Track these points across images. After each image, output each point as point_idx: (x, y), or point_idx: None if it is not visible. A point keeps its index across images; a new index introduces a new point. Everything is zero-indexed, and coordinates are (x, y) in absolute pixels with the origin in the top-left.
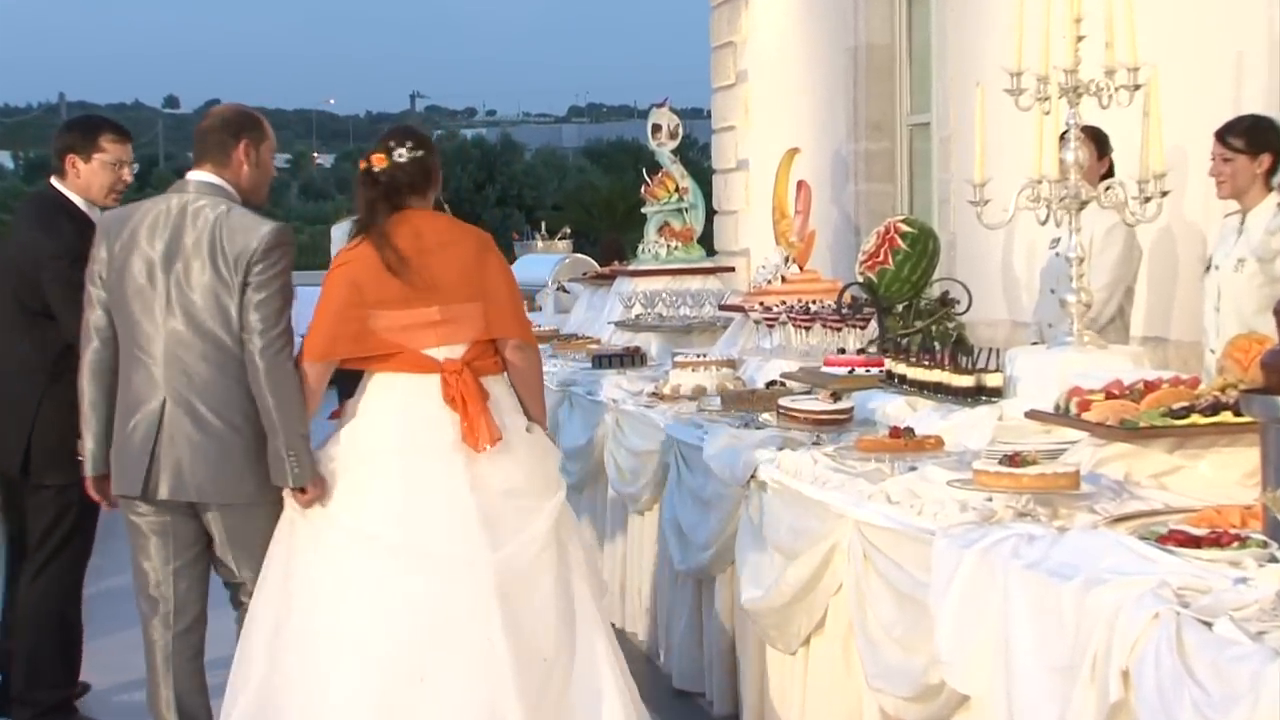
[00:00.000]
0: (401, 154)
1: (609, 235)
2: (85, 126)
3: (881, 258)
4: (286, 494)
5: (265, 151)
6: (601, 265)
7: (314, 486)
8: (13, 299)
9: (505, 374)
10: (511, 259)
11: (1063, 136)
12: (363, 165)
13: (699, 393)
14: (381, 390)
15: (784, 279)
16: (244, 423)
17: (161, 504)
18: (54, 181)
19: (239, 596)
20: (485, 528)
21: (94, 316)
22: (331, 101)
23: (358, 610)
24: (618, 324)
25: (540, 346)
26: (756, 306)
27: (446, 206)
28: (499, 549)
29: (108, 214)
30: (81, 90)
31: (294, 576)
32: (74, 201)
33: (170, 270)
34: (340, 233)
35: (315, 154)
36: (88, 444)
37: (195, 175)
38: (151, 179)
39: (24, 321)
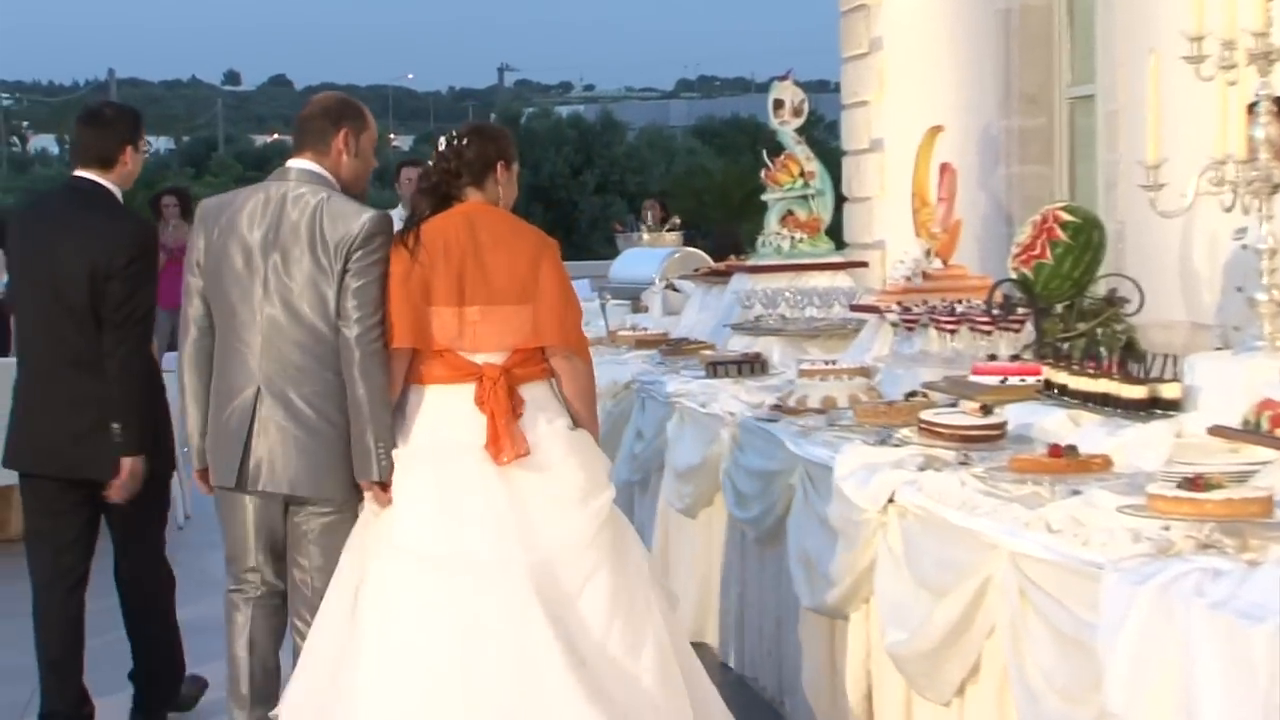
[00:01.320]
0: (455, 143)
1: (724, 226)
2: (135, 114)
3: (1038, 251)
4: (367, 495)
5: (366, 141)
6: (716, 260)
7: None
8: (55, 298)
9: (551, 381)
10: (612, 254)
11: (1250, 109)
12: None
13: (828, 405)
14: (412, 395)
15: (925, 275)
16: (338, 415)
17: (256, 494)
18: (93, 175)
19: (310, 602)
20: (520, 530)
21: (193, 305)
22: (410, 77)
23: (398, 620)
24: (735, 327)
25: (647, 353)
26: (894, 307)
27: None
28: (534, 551)
29: (207, 201)
30: (132, 66)
31: (361, 586)
32: (116, 196)
33: (269, 257)
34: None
35: (392, 135)
36: (193, 437)
37: (296, 163)
38: (210, 165)
39: (71, 323)
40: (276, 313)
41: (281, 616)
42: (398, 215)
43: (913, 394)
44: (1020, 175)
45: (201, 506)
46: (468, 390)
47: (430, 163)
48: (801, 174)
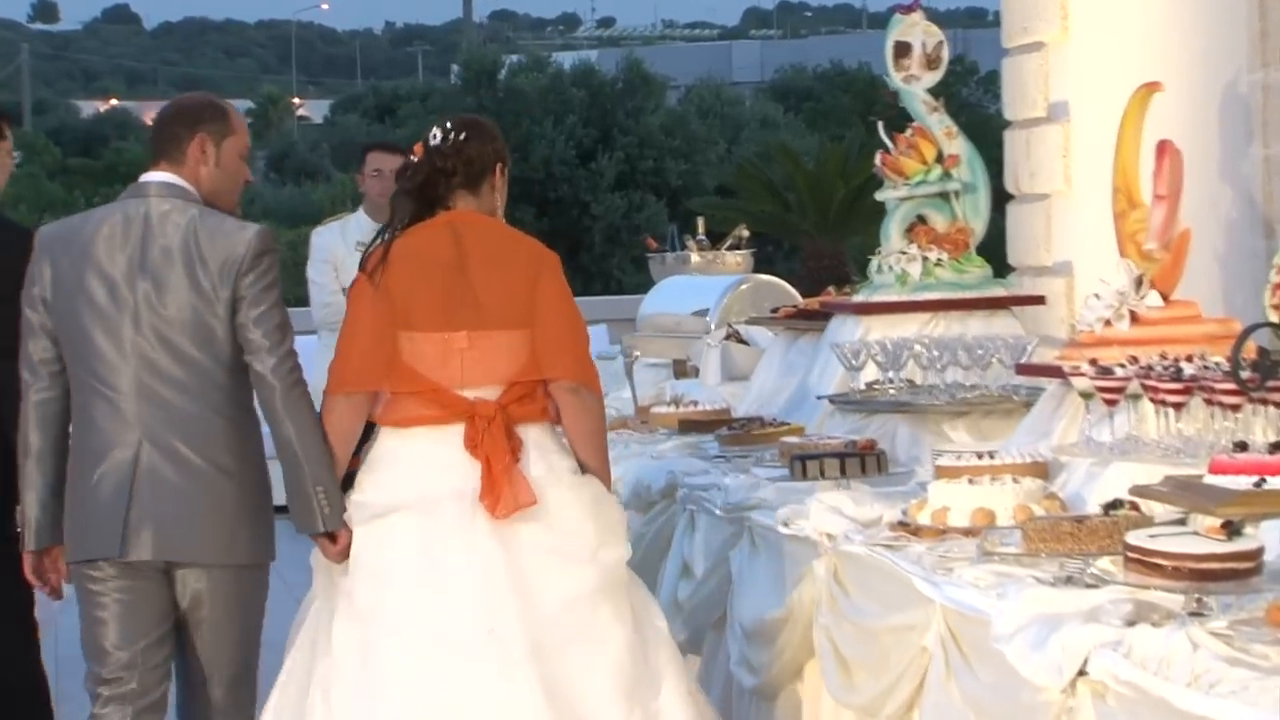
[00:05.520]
0: (452, 137)
1: (816, 240)
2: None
3: None
4: (316, 557)
5: (230, 149)
6: (805, 294)
7: (345, 532)
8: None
9: (553, 424)
10: (642, 285)
11: None
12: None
13: (982, 523)
14: (392, 439)
15: (1135, 318)
16: (235, 465)
17: (132, 568)
18: None
19: (207, 690)
20: (516, 592)
21: (38, 348)
22: (325, 8)
23: (379, 700)
24: (835, 400)
25: (697, 440)
26: (1085, 367)
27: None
28: (530, 612)
29: (47, 229)
30: None
31: (318, 663)
32: None
33: (137, 287)
34: (322, 240)
35: (296, 99)
36: (29, 510)
37: (152, 176)
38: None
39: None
40: (152, 352)
41: (161, 716)
42: (357, 223)
43: (1115, 505)
44: None
45: None
46: (456, 432)
47: (414, 157)
48: (939, 159)
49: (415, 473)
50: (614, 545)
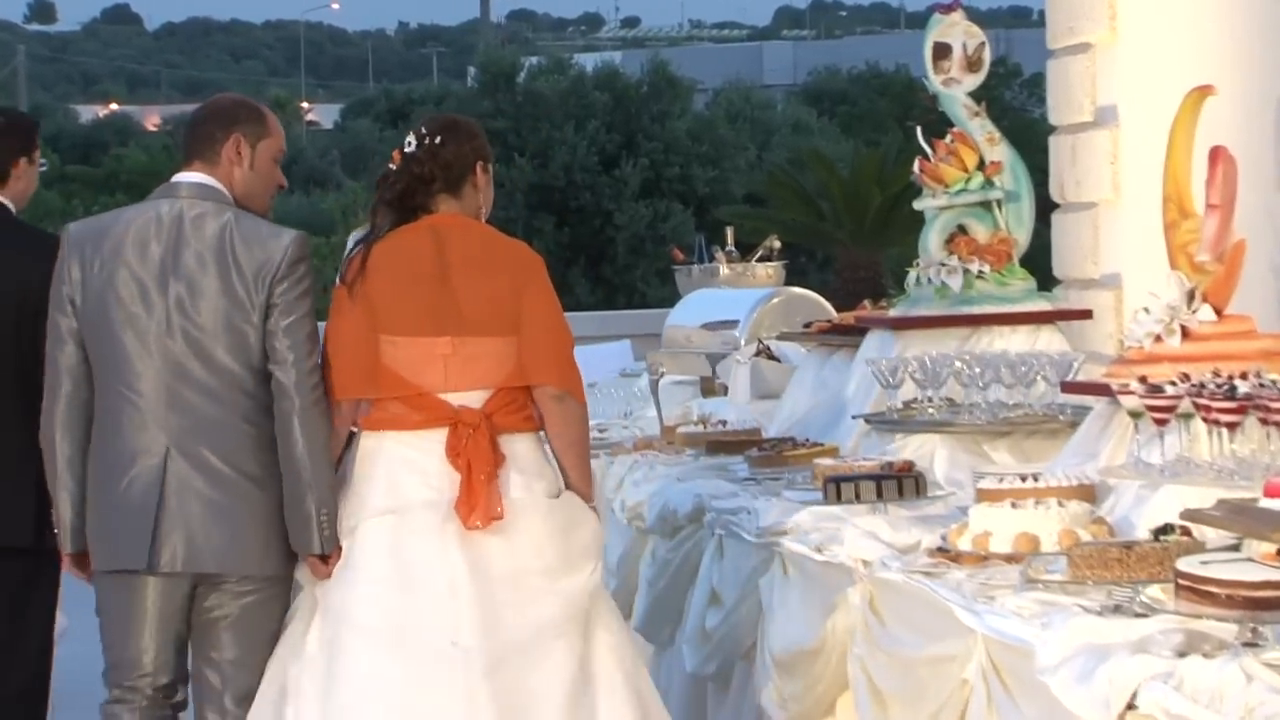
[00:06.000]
0: (427, 142)
1: (851, 252)
2: (29, 122)
3: None
4: (302, 569)
5: (265, 151)
6: (839, 308)
7: (336, 553)
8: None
9: (539, 432)
10: (667, 298)
11: None
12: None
13: (1026, 549)
14: (370, 440)
15: (1186, 333)
16: (264, 475)
17: (159, 576)
18: None
19: (222, 699)
20: (481, 609)
21: (65, 353)
22: (335, 7)
23: (341, 695)
24: (871, 419)
25: (726, 461)
26: (1134, 385)
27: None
28: (495, 635)
29: (76, 226)
30: None
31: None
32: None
33: (169, 290)
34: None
35: (305, 103)
36: (64, 514)
37: (185, 176)
38: None
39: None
40: (182, 358)
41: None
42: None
43: (1165, 530)
44: None
45: None
46: (436, 438)
47: (392, 166)
48: (980, 166)
49: (390, 478)
50: (580, 570)
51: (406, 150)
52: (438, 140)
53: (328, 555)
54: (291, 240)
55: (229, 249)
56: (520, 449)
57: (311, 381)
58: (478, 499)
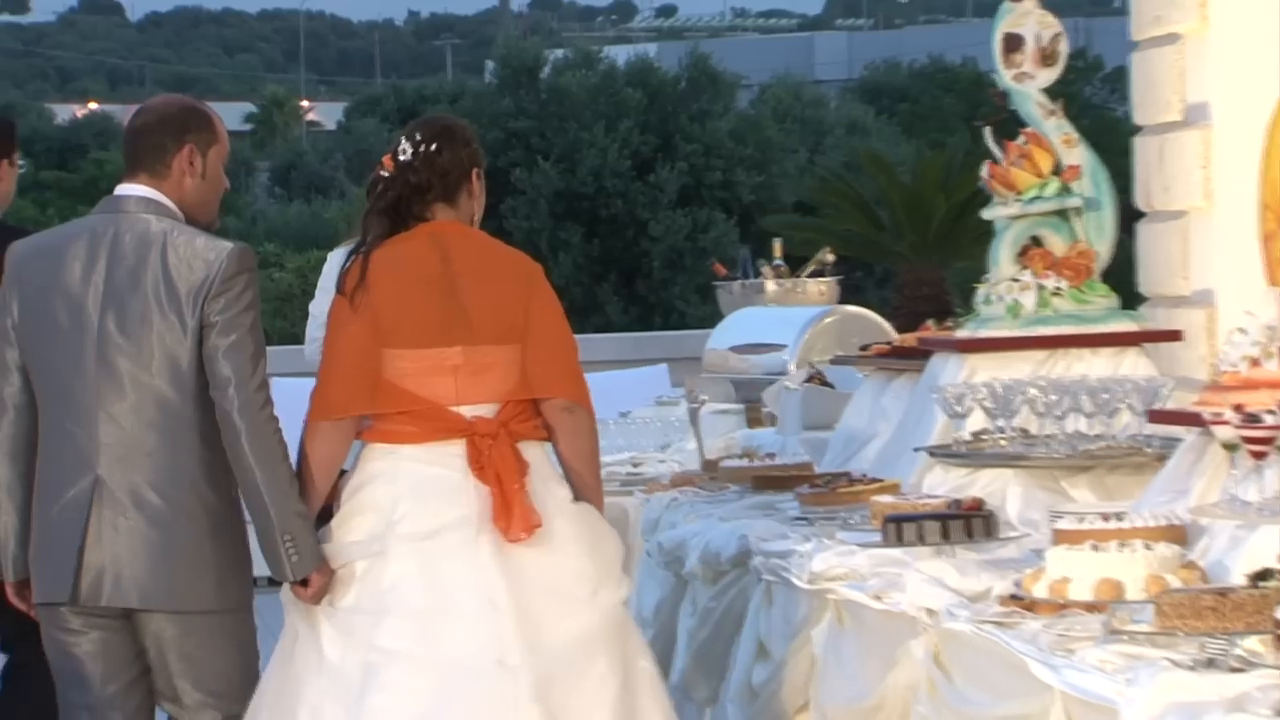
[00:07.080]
0: (422, 149)
1: (913, 266)
2: (7, 123)
3: None
4: (286, 592)
5: (215, 158)
6: (900, 328)
7: (319, 574)
8: None
9: (547, 442)
10: (708, 318)
11: None
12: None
13: (1108, 597)
14: (382, 459)
15: None
16: (199, 506)
17: (93, 612)
18: None
19: None
20: (521, 628)
21: (9, 383)
22: None
23: None
24: (936, 452)
25: (774, 498)
26: (1228, 414)
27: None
28: (536, 651)
29: (22, 245)
30: None
31: (299, 707)
32: None
33: (104, 314)
34: (332, 266)
35: (305, 100)
36: (8, 543)
37: (129, 189)
38: None
39: None
40: (117, 383)
41: None
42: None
43: (1264, 575)
44: None
45: None
46: (451, 452)
47: (384, 174)
48: (1056, 170)
49: (416, 498)
50: (611, 586)
51: (401, 158)
52: (434, 148)
53: (307, 580)
54: (228, 253)
55: (163, 268)
56: (535, 456)
57: (256, 404)
58: (514, 511)
